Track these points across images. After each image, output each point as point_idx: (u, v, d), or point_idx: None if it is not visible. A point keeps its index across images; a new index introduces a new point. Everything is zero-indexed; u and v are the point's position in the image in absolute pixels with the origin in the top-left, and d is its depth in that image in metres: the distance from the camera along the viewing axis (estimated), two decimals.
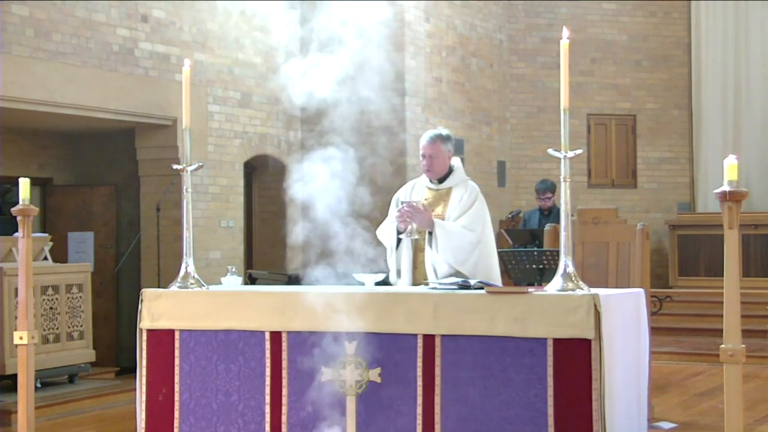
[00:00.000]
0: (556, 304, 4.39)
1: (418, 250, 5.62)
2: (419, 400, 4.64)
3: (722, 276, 4.00)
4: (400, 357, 4.69)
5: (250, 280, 10.11)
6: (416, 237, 5.52)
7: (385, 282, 5.37)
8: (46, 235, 9.35)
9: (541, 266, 7.20)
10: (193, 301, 5.13)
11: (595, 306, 4.30)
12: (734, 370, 3.97)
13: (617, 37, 14.76)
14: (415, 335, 4.66)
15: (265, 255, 11.99)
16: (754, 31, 14.55)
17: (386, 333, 4.70)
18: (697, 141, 14.83)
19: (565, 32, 4.44)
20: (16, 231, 5.16)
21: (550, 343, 4.40)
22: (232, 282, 5.49)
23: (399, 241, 5.59)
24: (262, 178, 12.13)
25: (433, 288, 4.93)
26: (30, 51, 8.93)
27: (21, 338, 5.04)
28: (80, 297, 9.29)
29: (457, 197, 5.60)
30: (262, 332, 4.96)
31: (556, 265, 4.57)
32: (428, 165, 5.63)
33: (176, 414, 5.11)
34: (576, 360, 4.34)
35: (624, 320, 4.65)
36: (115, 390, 8.99)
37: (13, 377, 7.34)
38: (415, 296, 4.76)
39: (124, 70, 9.84)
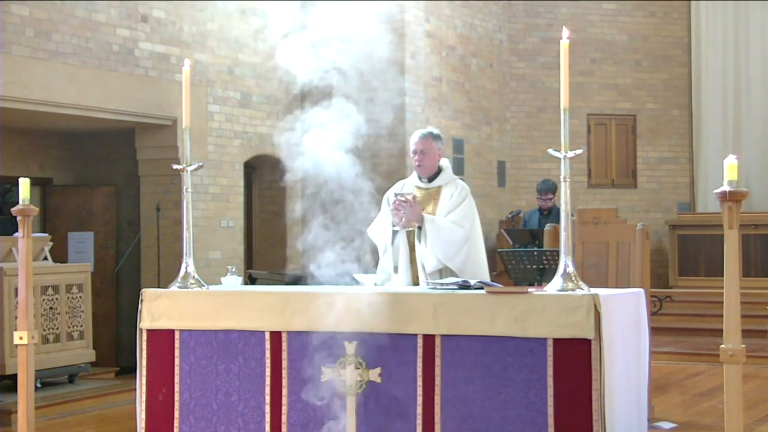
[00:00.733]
0: (556, 304, 4.39)
1: (412, 248, 5.66)
2: (419, 400, 4.64)
3: (722, 276, 4.00)
4: (400, 357, 4.69)
5: (250, 280, 10.11)
6: (410, 229, 5.57)
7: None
8: (46, 235, 9.35)
9: (541, 266, 7.19)
10: (193, 301, 5.13)
11: (595, 306, 4.30)
12: (734, 370, 3.97)
13: (617, 37, 14.76)
14: (415, 335, 4.66)
15: (265, 255, 11.99)
16: (754, 31, 14.54)
17: (386, 333, 4.70)
18: (697, 141, 14.83)
19: (565, 32, 4.45)
20: (16, 231, 5.16)
21: (550, 343, 4.41)
22: (232, 282, 5.49)
23: (393, 237, 5.64)
24: (262, 178, 12.13)
25: (433, 288, 4.93)
26: (30, 51, 8.93)
27: (21, 338, 5.03)
28: (80, 297, 9.29)
29: (447, 195, 5.71)
30: (262, 332, 4.96)
31: (556, 265, 4.57)
32: (419, 160, 5.74)
33: (176, 414, 5.11)
34: (576, 360, 4.34)
35: (624, 320, 4.65)
36: (115, 390, 8.99)
37: (13, 377, 7.34)
38: (415, 296, 4.76)
39: (124, 70, 9.84)
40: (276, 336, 4.93)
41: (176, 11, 10.42)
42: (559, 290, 4.46)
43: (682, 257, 13.95)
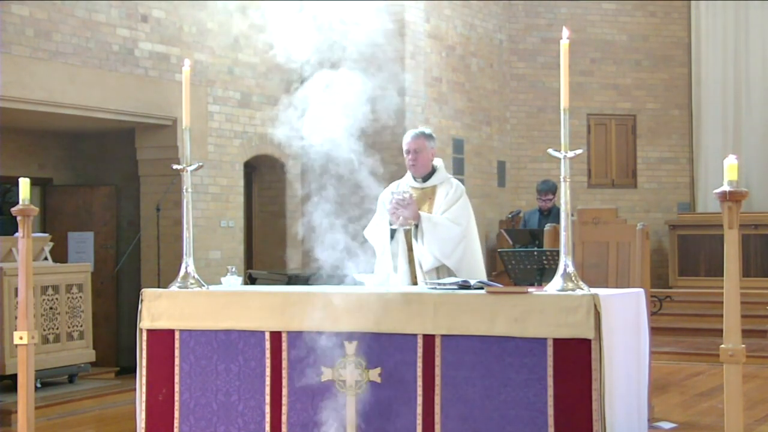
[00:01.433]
0: (556, 304, 4.39)
1: (410, 247, 5.66)
2: (419, 400, 4.64)
3: (722, 276, 4.00)
4: (400, 357, 4.69)
5: (250, 280, 10.11)
6: (407, 227, 5.57)
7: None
8: (46, 235, 9.35)
9: (541, 266, 7.19)
10: (193, 301, 5.13)
11: (595, 306, 4.30)
12: (734, 370, 3.97)
13: (617, 37, 14.76)
14: (415, 335, 4.66)
15: (265, 255, 11.99)
16: (754, 31, 14.55)
17: (386, 333, 4.70)
18: (697, 141, 14.83)
19: (565, 32, 4.45)
20: (16, 231, 5.16)
21: (550, 343, 4.40)
22: (232, 282, 5.49)
23: (392, 236, 5.64)
24: (262, 178, 12.13)
25: (433, 288, 4.93)
26: (30, 51, 8.93)
27: (21, 338, 5.03)
28: (80, 297, 9.29)
29: (443, 194, 5.72)
30: (262, 332, 4.96)
31: (556, 265, 4.57)
32: (413, 160, 5.75)
33: (176, 414, 5.11)
34: (576, 360, 4.34)
35: (624, 320, 4.65)
36: (115, 390, 8.99)
37: (13, 377, 7.34)
38: (415, 296, 4.76)
39: (124, 70, 9.84)
40: (276, 336, 4.93)
41: (176, 11, 10.42)
42: (559, 290, 4.46)
43: (682, 257, 13.96)
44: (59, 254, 10.04)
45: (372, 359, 4.73)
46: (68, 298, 9.19)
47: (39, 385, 8.64)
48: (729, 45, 14.66)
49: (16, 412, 5.96)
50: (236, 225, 11.13)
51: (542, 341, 4.42)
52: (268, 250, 12.00)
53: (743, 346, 3.99)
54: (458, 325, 4.58)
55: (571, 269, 4.48)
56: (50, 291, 9.01)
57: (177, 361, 5.12)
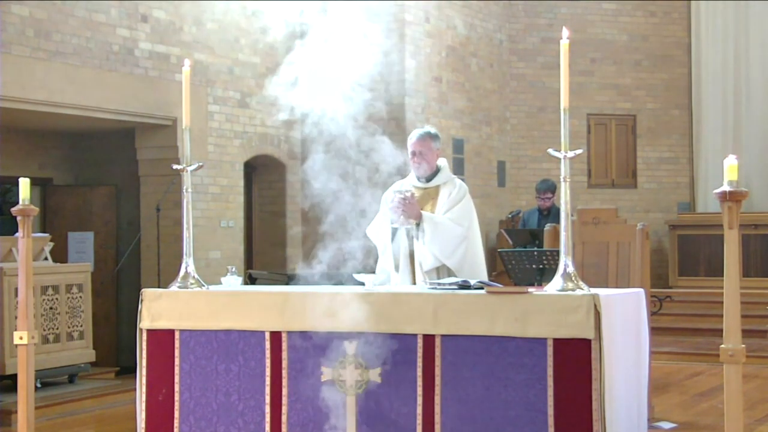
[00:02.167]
0: (556, 304, 4.39)
1: (412, 246, 5.66)
2: (419, 400, 4.64)
3: (722, 276, 3.99)
4: (400, 357, 4.68)
5: (250, 280, 10.11)
6: (409, 226, 5.57)
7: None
8: (46, 235, 9.35)
9: (541, 266, 7.19)
10: (193, 301, 5.13)
11: (595, 306, 4.30)
12: (734, 370, 3.97)
13: (617, 37, 14.76)
14: (415, 335, 4.66)
15: (265, 255, 11.99)
16: (754, 31, 14.54)
17: (386, 333, 4.69)
18: (697, 141, 14.83)
19: (565, 32, 4.44)
20: (16, 231, 5.16)
21: (550, 343, 4.40)
22: (232, 282, 5.49)
23: (393, 235, 5.64)
24: (262, 178, 12.13)
25: (433, 288, 4.93)
26: (30, 51, 8.93)
27: (21, 338, 5.03)
28: (80, 297, 9.29)
29: (446, 194, 5.71)
30: (262, 332, 4.96)
31: (556, 265, 4.57)
32: (419, 161, 5.73)
33: (176, 414, 5.11)
34: (576, 360, 4.34)
35: (624, 320, 4.65)
36: (115, 390, 8.99)
37: (13, 377, 7.34)
38: (415, 296, 4.76)
39: (124, 70, 9.84)
40: (276, 336, 4.93)
41: (176, 11, 10.42)
42: (559, 290, 4.46)
43: (682, 257, 13.96)
44: (59, 254, 10.04)
45: (372, 359, 4.73)
46: (68, 298, 9.18)
47: (39, 385, 8.64)
48: (729, 45, 14.66)
49: (16, 412, 5.96)
50: (236, 225, 11.13)
51: (542, 341, 4.41)
52: (268, 250, 12.00)
53: (743, 346, 3.99)
54: (458, 325, 4.58)
55: (571, 269, 4.48)
56: (50, 291, 9.00)
57: (177, 361, 5.12)
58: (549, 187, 10.25)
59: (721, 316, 4.02)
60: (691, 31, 14.86)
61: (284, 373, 4.91)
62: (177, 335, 5.13)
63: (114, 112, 9.81)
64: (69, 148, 11.45)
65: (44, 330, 8.87)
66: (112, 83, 9.69)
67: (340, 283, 5.30)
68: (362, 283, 5.17)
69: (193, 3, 10.60)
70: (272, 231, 11.96)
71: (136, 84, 9.94)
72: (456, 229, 5.57)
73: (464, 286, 4.82)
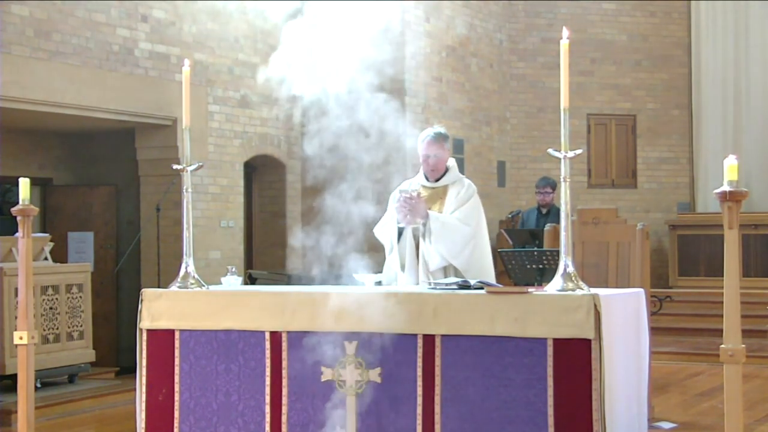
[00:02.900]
0: (556, 304, 4.39)
1: (419, 245, 5.63)
2: (419, 400, 4.64)
3: (722, 276, 3.99)
4: (400, 357, 4.68)
5: (250, 280, 10.11)
6: (416, 226, 5.54)
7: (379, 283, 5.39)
8: (46, 235, 9.35)
9: (541, 266, 7.19)
10: (193, 301, 5.13)
11: (595, 306, 4.30)
12: (734, 370, 3.97)
13: (617, 37, 14.76)
14: (415, 335, 4.66)
15: (265, 255, 11.99)
16: (754, 31, 14.54)
17: (386, 333, 4.69)
18: (697, 141, 14.83)
19: (565, 32, 4.44)
20: (16, 231, 5.16)
21: (550, 343, 4.40)
22: (232, 282, 5.49)
23: (399, 235, 5.62)
24: (262, 178, 12.13)
25: (433, 288, 4.93)
26: (30, 51, 8.93)
27: (21, 338, 5.03)
28: (80, 297, 9.29)
29: (454, 193, 5.68)
30: (262, 332, 4.96)
31: (556, 265, 4.57)
32: (433, 165, 5.68)
33: (176, 414, 5.11)
34: (576, 360, 4.34)
35: (624, 320, 4.65)
36: (115, 390, 8.99)
37: (13, 377, 7.33)
38: (415, 296, 4.76)
39: (124, 70, 9.84)
40: (276, 336, 4.93)
41: (176, 11, 10.42)
42: (559, 290, 4.46)
43: (682, 257, 13.95)
44: (59, 254, 10.04)
45: (372, 359, 4.73)
46: (68, 298, 9.19)
47: (39, 385, 8.64)
48: (729, 45, 14.66)
49: (16, 412, 5.96)
50: (236, 225, 11.14)
51: (542, 341, 4.41)
52: (268, 250, 12.00)
53: (743, 346, 3.99)
54: (458, 325, 4.58)
55: (571, 269, 4.48)
56: (50, 291, 9.00)
57: (177, 361, 5.12)
58: (549, 183, 10.21)
59: (721, 316, 4.02)
60: (691, 31, 14.86)
61: (284, 373, 4.91)
62: (177, 335, 5.13)
63: (114, 112, 9.81)
64: (69, 148, 11.45)
65: (44, 330, 8.87)
66: (112, 83, 9.70)
67: (340, 283, 5.30)
68: (362, 283, 5.17)
69: (193, 3, 10.60)
70: (272, 231, 11.96)
71: (136, 84, 9.94)
72: (463, 229, 5.54)
73: (464, 286, 4.82)
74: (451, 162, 5.80)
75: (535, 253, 7.36)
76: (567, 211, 4.49)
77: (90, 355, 9.39)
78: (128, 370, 8.55)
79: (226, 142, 11.00)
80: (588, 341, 4.31)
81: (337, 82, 5.17)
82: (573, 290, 4.43)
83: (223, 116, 10.96)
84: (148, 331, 5.17)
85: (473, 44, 13.53)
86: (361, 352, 4.75)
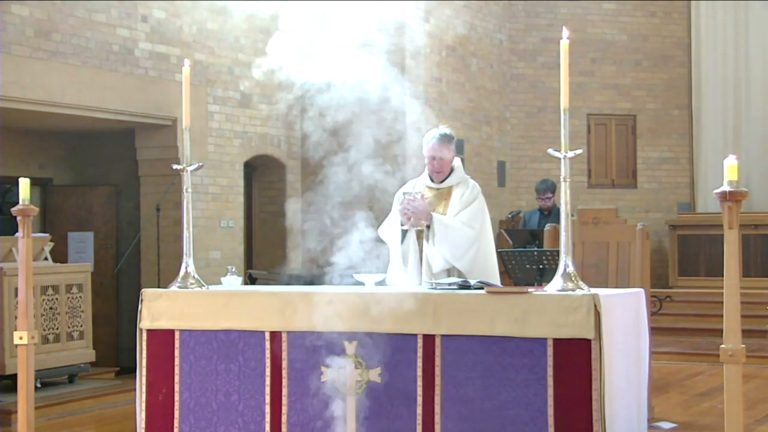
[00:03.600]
0: (556, 304, 4.39)
1: (421, 248, 5.61)
2: (419, 400, 4.64)
3: (722, 276, 3.99)
4: (400, 357, 4.69)
5: (250, 280, 10.11)
6: (419, 228, 5.52)
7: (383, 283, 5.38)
8: (46, 235, 9.35)
9: (541, 266, 7.19)
10: (193, 301, 5.13)
11: (595, 306, 4.30)
12: (734, 370, 3.97)
13: (617, 37, 14.76)
14: (415, 335, 4.66)
15: (265, 255, 11.99)
16: (754, 31, 14.54)
17: (386, 333, 4.69)
18: (697, 141, 14.83)
19: (565, 32, 4.44)
20: (16, 231, 5.16)
21: (550, 343, 4.40)
22: (232, 282, 5.49)
23: (403, 236, 5.61)
24: (262, 178, 12.13)
25: (433, 288, 4.93)
26: (30, 51, 8.93)
27: (21, 338, 5.03)
28: (80, 297, 9.29)
29: (459, 195, 5.63)
30: (262, 332, 4.96)
31: (556, 265, 4.57)
32: (438, 167, 5.64)
33: (176, 414, 5.11)
34: (576, 360, 4.34)
35: (624, 320, 4.65)
36: (115, 390, 8.99)
37: (13, 377, 7.34)
38: (415, 296, 4.76)
39: (124, 70, 9.84)
40: (276, 336, 4.93)
41: (176, 11, 10.41)
42: (559, 290, 4.46)
43: (682, 257, 13.95)
44: (59, 254, 10.04)
45: (372, 359, 4.73)
46: (68, 298, 9.18)
47: (39, 385, 8.64)
48: (729, 45, 14.66)
49: (16, 412, 5.96)
50: (236, 225, 11.13)
51: (542, 341, 4.41)
52: (268, 250, 12.00)
53: (743, 346, 3.99)
54: (458, 325, 4.58)
55: (571, 269, 4.48)
56: (50, 291, 9.00)
57: (177, 361, 5.12)
58: (549, 187, 10.22)
59: (721, 316, 4.02)
60: (691, 31, 14.85)
61: (284, 373, 4.91)
62: (177, 335, 5.13)
63: (114, 112, 9.81)
64: (69, 148, 11.45)
65: (44, 330, 8.87)
66: (112, 83, 9.70)
67: (340, 283, 5.29)
68: (362, 283, 5.17)
69: (193, 3, 10.60)
70: (272, 231, 11.96)
71: (136, 84, 9.94)
72: (467, 232, 5.49)
73: (464, 286, 4.82)
74: (457, 162, 5.73)
75: (535, 253, 7.36)
76: (567, 211, 4.49)
77: (90, 355, 9.39)
78: (128, 370, 8.54)
79: (226, 142, 11.00)
80: (588, 341, 4.31)
81: (337, 82, 5.17)
82: (573, 290, 4.43)
83: (223, 116, 10.96)
84: (148, 331, 5.18)
85: (473, 44, 13.53)
86: (361, 352, 4.75)
